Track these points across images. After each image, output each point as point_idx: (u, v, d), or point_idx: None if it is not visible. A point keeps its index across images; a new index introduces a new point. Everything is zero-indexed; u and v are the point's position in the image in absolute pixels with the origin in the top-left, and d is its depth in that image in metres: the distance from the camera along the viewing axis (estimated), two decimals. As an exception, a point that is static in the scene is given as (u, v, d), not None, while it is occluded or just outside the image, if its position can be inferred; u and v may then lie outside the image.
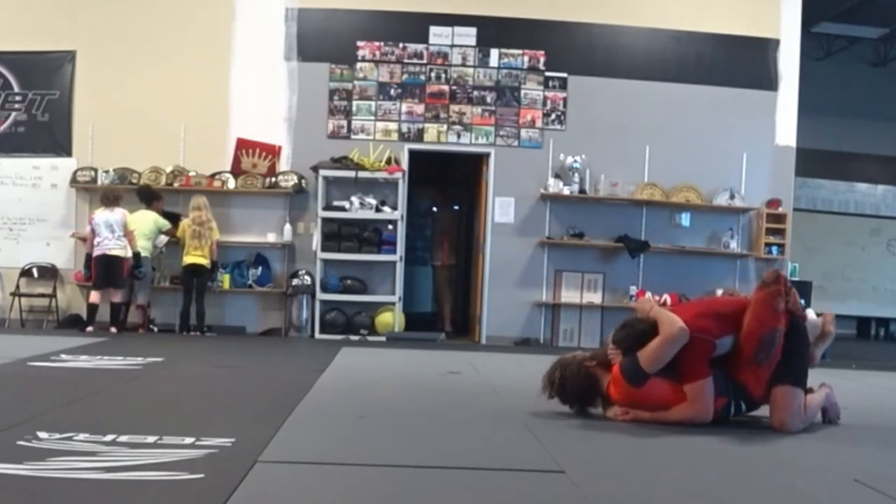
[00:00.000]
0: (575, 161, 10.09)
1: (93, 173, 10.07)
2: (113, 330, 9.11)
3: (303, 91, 10.25)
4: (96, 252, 9.12)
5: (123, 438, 3.37)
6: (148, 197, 9.69)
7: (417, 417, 4.40)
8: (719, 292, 9.32)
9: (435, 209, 12.14)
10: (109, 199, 9.28)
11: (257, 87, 10.22)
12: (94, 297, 9.22)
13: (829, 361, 8.61)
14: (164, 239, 9.76)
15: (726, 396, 4.19)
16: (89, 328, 9.08)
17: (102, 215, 9.19)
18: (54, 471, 2.83)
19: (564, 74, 10.35)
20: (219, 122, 10.17)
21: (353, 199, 9.95)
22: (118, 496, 2.62)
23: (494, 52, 10.35)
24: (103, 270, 9.12)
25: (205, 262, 9.43)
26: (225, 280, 9.96)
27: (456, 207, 12.49)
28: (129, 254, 9.18)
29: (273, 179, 10.08)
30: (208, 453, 3.19)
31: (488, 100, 10.33)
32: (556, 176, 10.18)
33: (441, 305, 11.59)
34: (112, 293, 9.24)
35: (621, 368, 4.19)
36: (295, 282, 9.96)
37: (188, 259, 9.42)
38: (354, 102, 10.28)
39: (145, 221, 9.51)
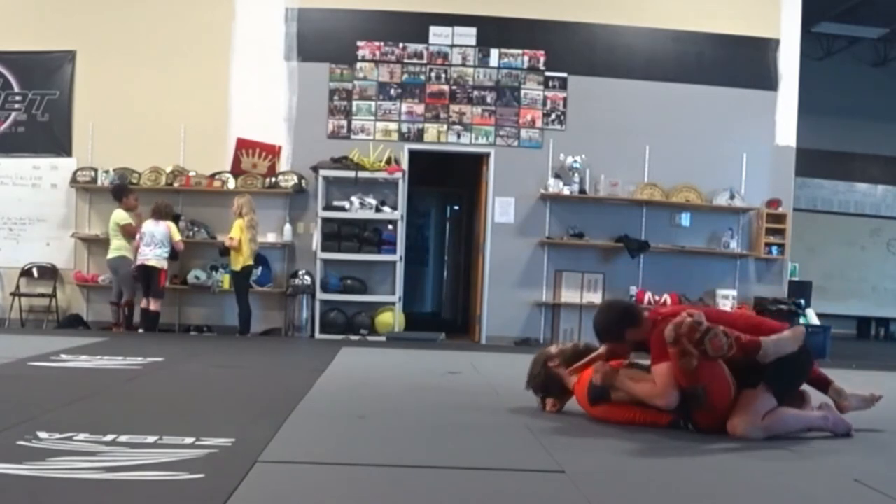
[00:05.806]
0: (575, 161, 10.09)
1: (93, 173, 10.07)
2: (140, 331, 9.35)
3: (303, 91, 10.25)
4: (137, 261, 9.35)
5: (123, 438, 3.37)
6: (117, 193, 9.63)
7: (417, 417, 4.40)
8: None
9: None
10: (158, 212, 9.40)
11: (257, 87, 10.23)
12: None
13: (829, 361, 8.63)
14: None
15: (676, 414, 4.09)
16: (140, 331, 9.35)
17: (149, 226, 9.34)
18: (54, 471, 2.83)
19: (564, 74, 10.35)
20: (219, 122, 10.18)
21: (353, 199, 9.95)
22: (118, 496, 2.62)
23: (494, 52, 10.34)
24: (142, 279, 9.36)
25: (236, 266, 9.51)
26: (225, 280, 9.96)
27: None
28: (165, 265, 9.36)
29: (273, 179, 10.08)
30: (208, 453, 3.19)
31: (488, 100, 10.33)
32: (556, 176, 10.18)
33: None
34: (150, 301, 9.35)
35: (589, 391, 4.30)
36: (295, 282, 9.97)
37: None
38: (354, 102, 10.28)
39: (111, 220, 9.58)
